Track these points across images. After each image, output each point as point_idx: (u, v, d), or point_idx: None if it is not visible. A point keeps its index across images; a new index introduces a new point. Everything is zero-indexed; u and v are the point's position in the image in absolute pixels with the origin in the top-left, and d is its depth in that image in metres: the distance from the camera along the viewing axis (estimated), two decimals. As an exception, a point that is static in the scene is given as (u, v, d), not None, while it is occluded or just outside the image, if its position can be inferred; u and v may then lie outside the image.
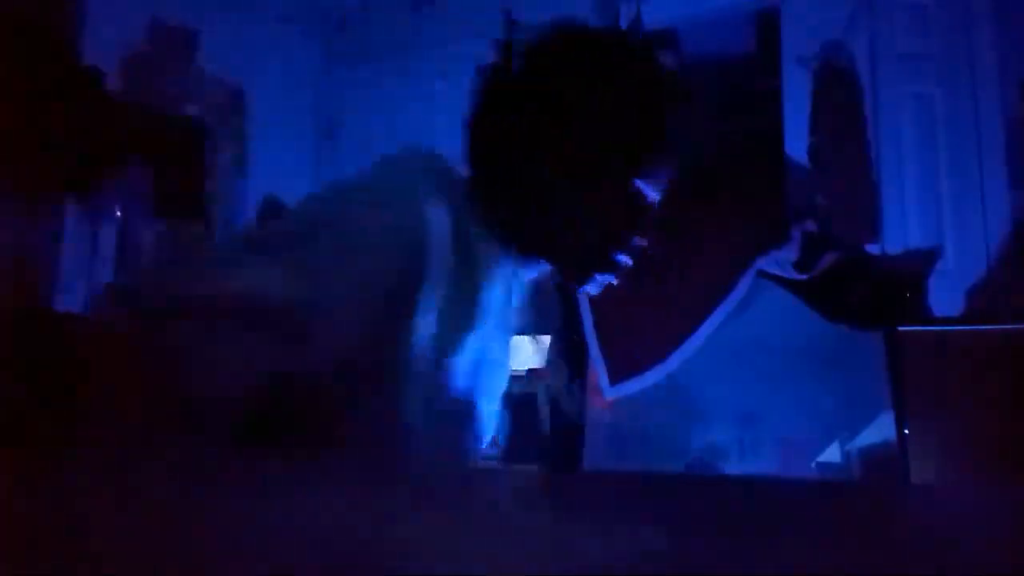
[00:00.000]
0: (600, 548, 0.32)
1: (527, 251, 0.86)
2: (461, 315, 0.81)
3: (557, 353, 3.12)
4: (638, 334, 2.65)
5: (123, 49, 2.84)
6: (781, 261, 2.51)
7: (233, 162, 3.20)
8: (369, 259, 0.74)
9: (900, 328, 2.28)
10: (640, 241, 0.84)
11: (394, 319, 0.75)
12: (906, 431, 2.19)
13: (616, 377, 2.64)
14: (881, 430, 2.35)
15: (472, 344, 0.84)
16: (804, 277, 2.48)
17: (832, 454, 2.47)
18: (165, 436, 0.69)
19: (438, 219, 0.76)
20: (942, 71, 2.84)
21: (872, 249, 2.78)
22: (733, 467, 2.59)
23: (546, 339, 3.29)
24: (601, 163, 0.81)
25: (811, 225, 2.60)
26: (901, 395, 2.23)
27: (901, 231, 2.82)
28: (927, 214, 2.81)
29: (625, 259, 0.85)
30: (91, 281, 2.55)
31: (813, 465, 2.49)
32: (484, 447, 0.95)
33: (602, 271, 0.85)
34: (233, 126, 3.21)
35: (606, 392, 2.65)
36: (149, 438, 0.71)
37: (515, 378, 3.28)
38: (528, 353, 3.30)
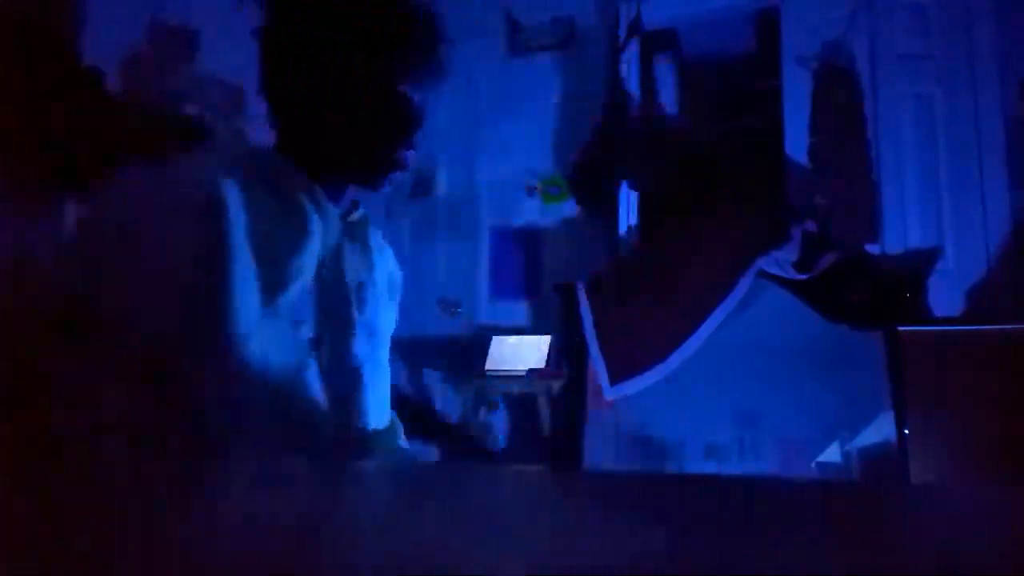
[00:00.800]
0: (600, 548, 0.32)
1: (329, 173, 0.94)
2: (290, 264, 0.87)
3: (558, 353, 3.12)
4: (638, 334, 2.64)
5: (123, 49, 2.84)
6: (781, 261, 2.51)
7: (233, 162, 3.20)
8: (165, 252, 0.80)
9: (900, 328, 2.28)
10: (415, 138, 0.95)
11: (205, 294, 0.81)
12: (906, 431, 2.19)
13: (616, 377, 2.64)
14: (881, 430, 2.35)
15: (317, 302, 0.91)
16: (804, 277, 2.48)
17: (832, 454, 2.47)
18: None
19: (227, 189, 0.83)
20: (942, 71, 2.84)
21: (872, 249, 2.78)
22: (733, 467, 2.59)
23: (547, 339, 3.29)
24: (364, 74, 0.91)
25: (811, 225, 2.60)
26: (901, 395, 2.23)
27: (901, 231, 2.82)
28: (927, 214, 2.81)
29: (409, 154, 0.96)
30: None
31: (813, 465, 2.49)
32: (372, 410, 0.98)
33: (392, 169, 0.96)
34: (233, 126, 3.21)
35: (606, 392, 2.65)
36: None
37: (515, 378, 3.29)
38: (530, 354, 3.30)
